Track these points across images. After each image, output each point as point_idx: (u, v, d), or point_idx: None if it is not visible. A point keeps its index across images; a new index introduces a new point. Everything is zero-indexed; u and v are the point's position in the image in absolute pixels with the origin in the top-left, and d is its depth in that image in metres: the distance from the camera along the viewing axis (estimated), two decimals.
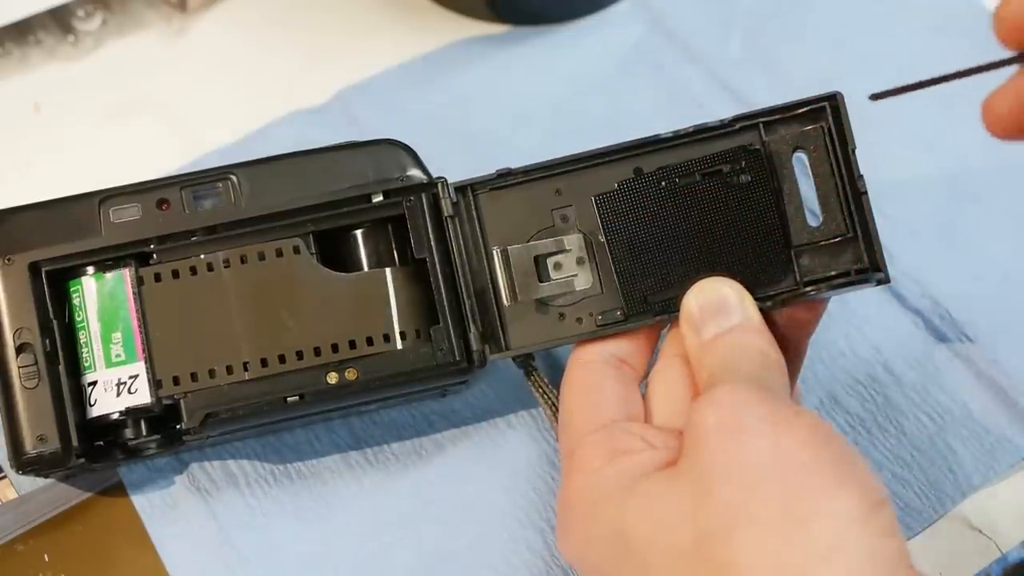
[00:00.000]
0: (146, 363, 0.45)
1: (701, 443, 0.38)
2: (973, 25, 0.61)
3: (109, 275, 0.45)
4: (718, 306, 0.43)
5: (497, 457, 0.49)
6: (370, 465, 0.49)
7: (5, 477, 0.48)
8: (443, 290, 0.46)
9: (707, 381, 0.41)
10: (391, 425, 0.50)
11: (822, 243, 0.45)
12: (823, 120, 0.45)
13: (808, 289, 0.44)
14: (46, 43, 0.61)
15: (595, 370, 0.44)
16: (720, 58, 0.60)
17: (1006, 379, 0.51)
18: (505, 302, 0.46)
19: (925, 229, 0.55)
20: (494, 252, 0.46)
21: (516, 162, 0.46)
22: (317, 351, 0.45)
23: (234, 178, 0.46)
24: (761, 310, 0.43)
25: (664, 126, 0.46)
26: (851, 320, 0.52)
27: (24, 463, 0.44)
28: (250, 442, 0.49)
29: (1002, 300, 0.53)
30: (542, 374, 0.47)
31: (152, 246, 0.45)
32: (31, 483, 0.48)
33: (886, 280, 0.44)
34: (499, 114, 0.58)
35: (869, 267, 0.44)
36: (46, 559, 0.47)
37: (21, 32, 0.61)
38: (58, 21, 0.62)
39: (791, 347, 0.45)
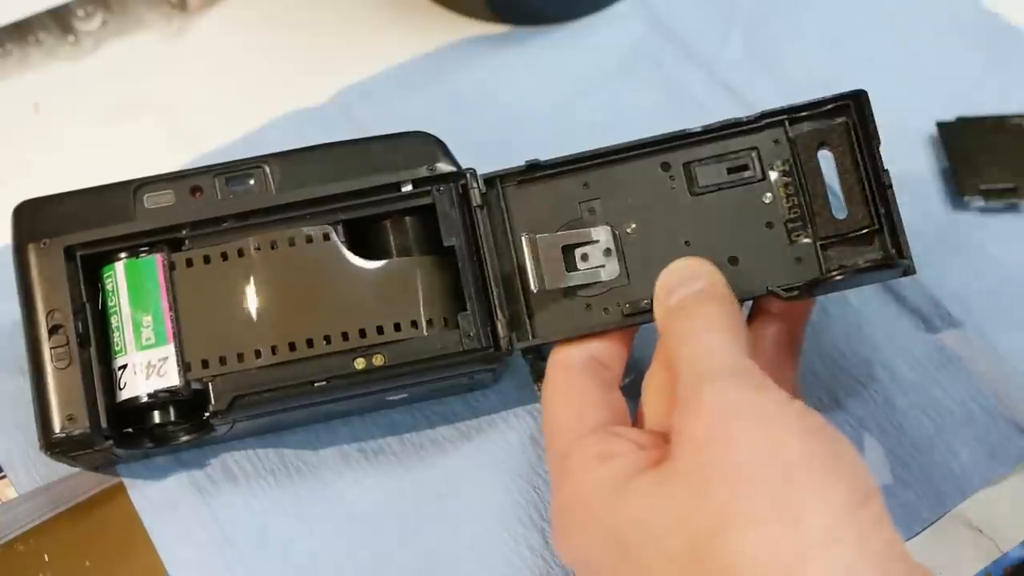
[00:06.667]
0: (175, 346, 0.45)
1: (688, 443, 0.38)
2: (973, 25, 0.61)
3: (141, 260, 0.46)
4: (688, 276, 0.43)
5: (497, 457, 0.49)
6: (370, 465, 0.49)
7: (5, 477, 0.48)
8: (470, 277, 0.46)
9: (674, 351, 0.42)
10: (391, 425, 0.50)
11: (848, 235, 0.45)
12: (847, 116, 0.45)
13: (835, 273, 0.45)
14: (46, 43, 0.61)
15: (577, 372, 0.44)
16: (720, 58, 0.60)
17: (1006, 379, 0.51)
18: (533, 288, 0.46)
19: (925, 229, 0.55)
20: (523, 240, 0.46)
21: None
22: (345, 336, 0.45)
23: (266, 167, 0.47)
24: (755, 298, 0.45)
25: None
26: (851, 320, 0.52)
27: (52, 443, 0.44)
28: (250, 442, 0.49)
29: (1002, 300, 0.53)
30: None
31: (185, 232, 0.46)
32: (31, 483, 0.48)
33: (912, 270, 0.44)
34: (499, 114, 0.58)
35: (895, 255, 0.44)
36: (46, 559, 0.47)
37: (21, 32, 0.61)
38: (58, 21, 0.62)
39: (789, 337, 0.46)
